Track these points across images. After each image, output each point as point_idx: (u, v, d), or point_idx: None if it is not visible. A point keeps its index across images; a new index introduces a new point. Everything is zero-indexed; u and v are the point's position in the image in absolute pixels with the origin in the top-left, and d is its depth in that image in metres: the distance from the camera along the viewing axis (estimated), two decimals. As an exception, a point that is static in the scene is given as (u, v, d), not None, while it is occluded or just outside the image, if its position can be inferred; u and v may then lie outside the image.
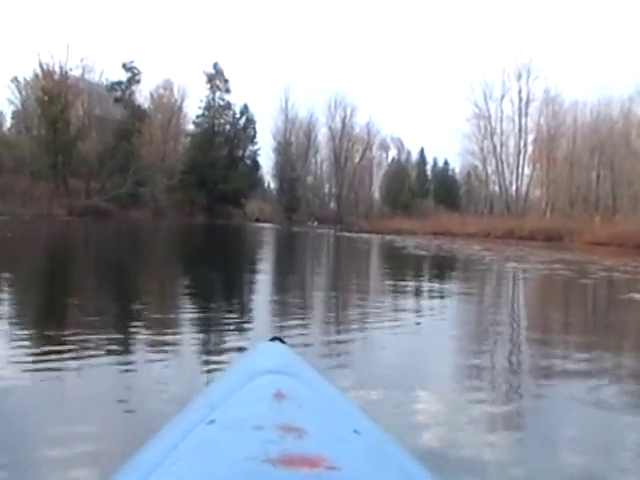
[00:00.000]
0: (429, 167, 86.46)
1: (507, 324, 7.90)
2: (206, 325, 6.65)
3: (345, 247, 29.91)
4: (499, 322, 7.94)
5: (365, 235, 42.18)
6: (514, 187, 65.62)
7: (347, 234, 43.60)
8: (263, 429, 0.86)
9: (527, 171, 65.28)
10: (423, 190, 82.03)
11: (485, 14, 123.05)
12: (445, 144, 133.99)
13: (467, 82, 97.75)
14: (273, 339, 1.70)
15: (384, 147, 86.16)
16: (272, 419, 0.90)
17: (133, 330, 6.07)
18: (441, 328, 7.10)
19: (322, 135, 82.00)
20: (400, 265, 18.90)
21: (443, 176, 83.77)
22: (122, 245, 22.63)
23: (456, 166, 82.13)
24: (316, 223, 63.46)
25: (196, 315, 7.27)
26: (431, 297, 10.21)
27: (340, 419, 1.05)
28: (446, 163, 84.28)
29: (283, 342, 1.65)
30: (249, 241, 31.24)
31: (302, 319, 7.06)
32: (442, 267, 18.17)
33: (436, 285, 12.34)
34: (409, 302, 9.41)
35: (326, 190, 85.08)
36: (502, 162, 66.00)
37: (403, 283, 12.20)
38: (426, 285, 12.33)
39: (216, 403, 1.03)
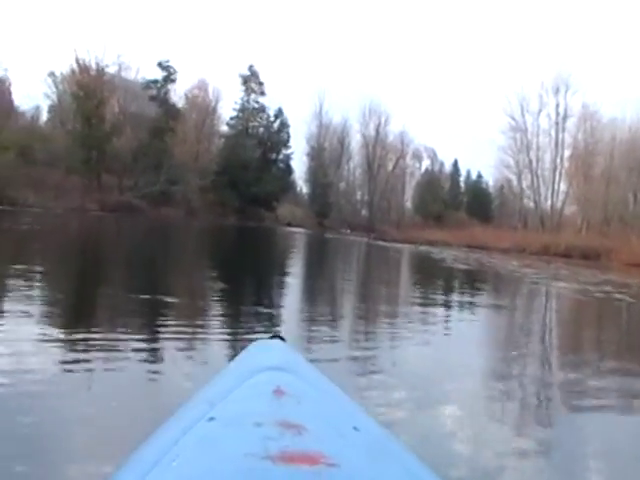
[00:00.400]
0: (462, 179, 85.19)
1: (608, 359, 7.01)
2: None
3: (382, 257, 29.03)
4: (596, 356, 7.06)
5: (399, 245, 41.29)
6: (549, 202, 64.28)
7: (381, 243, 42.66)
8: (263, 426, 0.86)
9: (562, 187, 63.89)
10: (456, 202, 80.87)
11: (523, 26, 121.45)
12: (479, 156, 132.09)
13: (503, 94, 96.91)
14: (273, 336, 1.69)
15: (417, 157, 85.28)
16: (272, 416, 0.90)
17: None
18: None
19: (355, 142, 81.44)
20: (445, 280, 17.99)
21: (476, 188, 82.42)
22: (151, 243, 21.97)
23: (490, 179, 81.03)
24: (349, 230, 62.39)
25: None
26: (494, 323, 9.36)
27: (339, 416, 1.07)
28: (480, 176, 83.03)
29: (283, 339, 1.64)
30: (282, 246, 30.48)
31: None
32: (489, 285, 17.28)
33: (493, 304, 11.50)
34: (473, 331, 8.51)
35: (358, 197, 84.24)
36: (537, 177, 64.67)
37: (457, 303, 11.36)
38: (481, 306, 11.44)
39: (216, 400, 1.05)
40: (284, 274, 13.63)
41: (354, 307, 9.54)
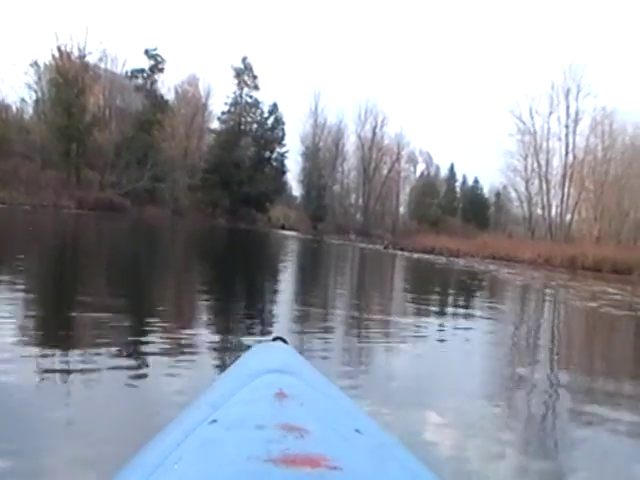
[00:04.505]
0: (458, 184, 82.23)
1: None
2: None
3: (449, 280, 21.36)
4: None
5: (426, 255, 36.83)
6: (558, 209, 60.73)
7: (406, 254, 37.70)
8: (265, 428, 0.87)
9: (573, 193, 60.30)
10: (451, 207, 77.77)
11: (529, 24, 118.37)
12: (475, 161, 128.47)
13: (505, 96, 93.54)
14: (275, 339, 1.67)
15: (412, 160, 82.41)
16: (274, 418, 0.91)
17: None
18: None
19: (350, 143, 78.08)
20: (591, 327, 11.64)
21: (473, 194, 79.51)
22: (128, 256, 16.24)
23: (485, 184, 78.88)
24: (353, 236, 57.70)
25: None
26: None
27: (342, 418, 1.08)
28: (476, 181, 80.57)
29: (285, 342, 1.62)
30: (288, 257, 24.71)
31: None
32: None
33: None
34: None
35: (352, 200, 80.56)
36: (547, 182, 61.17)
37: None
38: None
39: (218, 402, 1.07)
40: (317, 319, 8.52)
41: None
